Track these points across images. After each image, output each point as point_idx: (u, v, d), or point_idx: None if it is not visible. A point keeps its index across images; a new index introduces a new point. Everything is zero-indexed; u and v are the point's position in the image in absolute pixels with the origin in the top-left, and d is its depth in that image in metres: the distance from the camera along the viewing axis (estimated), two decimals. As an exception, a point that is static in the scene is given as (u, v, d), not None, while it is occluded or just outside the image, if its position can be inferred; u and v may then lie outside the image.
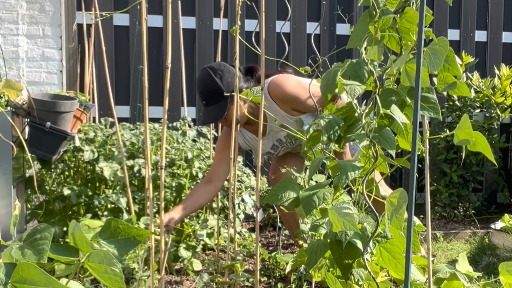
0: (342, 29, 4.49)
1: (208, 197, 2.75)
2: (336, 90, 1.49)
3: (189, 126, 3.50)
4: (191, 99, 4.26)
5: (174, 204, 3.18)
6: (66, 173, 3.17)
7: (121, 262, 2.50)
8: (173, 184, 3.12)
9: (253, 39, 2.51)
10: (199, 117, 4.26)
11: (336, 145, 1.55)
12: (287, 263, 2.80)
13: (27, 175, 2.86)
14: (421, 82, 1.15)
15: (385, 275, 1.63)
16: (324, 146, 1.61)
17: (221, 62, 2.69)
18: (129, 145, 3.22)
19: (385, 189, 2.77)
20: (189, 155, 3.18)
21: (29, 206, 3.10)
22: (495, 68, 4.50)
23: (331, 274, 1.60)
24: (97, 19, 2.60)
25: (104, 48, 2.84)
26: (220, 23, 2.90)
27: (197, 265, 2.93)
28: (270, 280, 2.83)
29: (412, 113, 1.41)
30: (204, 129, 3.50)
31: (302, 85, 2.62)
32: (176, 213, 2.63)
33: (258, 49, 2.01)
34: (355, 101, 1.46)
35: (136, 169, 3.03)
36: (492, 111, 4.34)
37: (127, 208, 2.92)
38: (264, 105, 2.68)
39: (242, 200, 3.38)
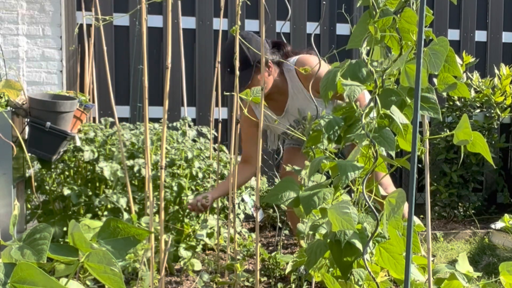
0: (342, 29, 4.49)
1: (247, 174, 2.88)
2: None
3: (189, 126, 3.50)
4: (191, 99, 4.26)
5: (174, 204, 3.18)
6: (66, 173, 3.16)
7: (124, 260, 2.50)
8: (173, 184, 3.12)
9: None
10: (199, 117, 4.26)
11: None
12: (287, 263, 2.80)
13: (27, 175, 2.86)
14: (421, 82, 1.15)
15: (385, 275, 1.63)
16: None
17: (248, 31, 2.74)
18: (129, 145, 3.22)
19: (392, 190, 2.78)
20: (189, 155, 3.17)
21: (29, 206, 3.10)
22: (495, 68, 4.50)
23: (329, 274, 1.60)
24: (98, 23, 2.59)
25: (105, 48, 2.84)
26: (220, 23, 2.90)
27: (197, 265, 2.92)
28: (270, 280, 2.83)
29: (412, 113, 1.41)
30: (204, 129, 3.50)
31: (327, 67, 2.65)
32: (216, 190, 2.75)
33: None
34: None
35: (136, 169, 3.03)
36: (492, 111, 4.33)
37: (127, 208, 2.92)
38: (288, 81, 2.70)
39: (242, 200, 3.37)
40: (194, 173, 3.19)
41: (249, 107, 2.85)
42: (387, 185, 2.83)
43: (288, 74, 2.76)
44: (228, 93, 2.37)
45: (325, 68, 2.63)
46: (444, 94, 1.49)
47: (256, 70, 2.62)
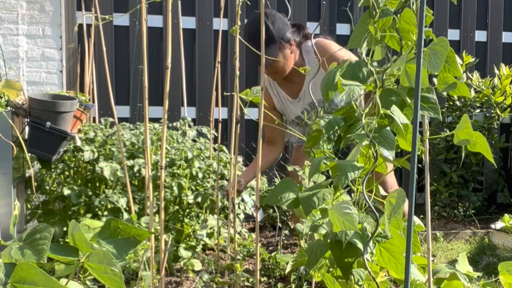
0: (342, 29, 4.49)
1: (274, 155, 2.95)
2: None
3: (189, 126, 3.50)
4: (191, 99, 4.26)
5: (174, 204, 3.18)
6: (66, 173, 3.17)
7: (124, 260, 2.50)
8: (173, 184, 3.12)
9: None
10: (199, 117, 4.26)
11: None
12: (287, 263, 2.80)
13: (27, 175, 2.86)
14: (421, 83, 1.15)
15: (385, 275, 1.63)
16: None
17: (272, 10, 2.76)
18: (129, 145, 3.22)
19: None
20: (189, 155, 3.17)
21: (29, 206, 3.10)
22: (495, 68, 4.50)
23: (330, 274, 1.60)
24: (98, 22, 2.58)
25: (104, 48, 2.84)
26: (220, 23, 2.90)
27: (197, 265, 2.93)
28: (270, 280, 2.83)
29: (412, 113, 1.41)
30: (204, 129, 3.50)
31: (344, 50, 2.70)
32: (247, 173, 2.79)
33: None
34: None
35: (136, 169, 3.03)
36: (492, 111, 4.33)
37: (127, 208, 2.92)
38: (306, 63, 2.76)
39: (242, 200, 3.37)
40: (194, 173, 3.19)
41: (264, 89, 2.87)
42: (392, 185, 2.82)
43: (306, 56, 2.78)
44: (227, 94, 2.37)
45: (342, 51, 2.65)
46: (444, 94, 1.49)
47: (280, 47, 2.64)
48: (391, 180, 2.85)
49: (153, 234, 1.88)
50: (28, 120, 2.71)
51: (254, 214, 2.06)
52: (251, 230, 3.89)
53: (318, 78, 2.70)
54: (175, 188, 3.11)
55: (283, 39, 2.66)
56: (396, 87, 1.47)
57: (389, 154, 1.38)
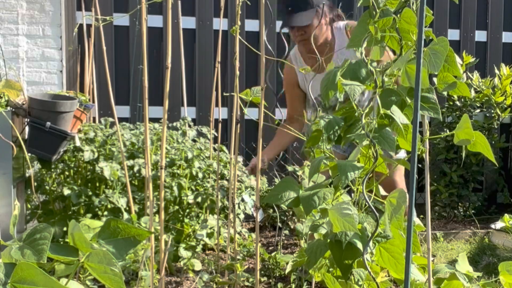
0: (342, 29, 4.48)
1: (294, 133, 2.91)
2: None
3: (189, 126, 3.50)
4: (191, 99, 4.26)
5: (174, 204, 3.18)
6: (66, 173, 3.17)
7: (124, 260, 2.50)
8: (173, 184, 3.12)
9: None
10: (199, 117, 4.26)
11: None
12: (287, 263, 2.80)
13: (27, 175, 2.86)
14: (421, 83, 1.15)
15: (385, 275, 1.63)
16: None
17: None
18: (129, 145, 3.22)
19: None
20: (189, 155, 3.17)
21: (29, 206, 3.10)
22: (495, 68, 4.50)
23: (330, 274, 1.60)
24: (98, 23, 2.59)
25: (104, 48, 2.84)
26: (220, 23, 2.90)
27: (197, 265, 2.93)
28: (270, 280, 2.83)
29: (412, 113, 1.41)
30: (204, 129, 3.50)
31: None
32: (269, 150, 2.79)
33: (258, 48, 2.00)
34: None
35: (136, 169, 3.03)
36: (492, 111, 4.33)
37: (127, 208, 2.92)
38: (336, 40, 2.76)
39: (242, 200, 3.37)
40: (194, 173, 3.19)
41: (289, 65, 2.87)
42: (401, 185, 2.80)
43: (337, 33, 2.79)
44: (227, 94, 2.36)
45: None
46: (444, 94, 1.49)
47: (317, 14, 2.66)
48: (401, 180, 2.83)
49: (153, 234, 1.88)
50: (28, 120, 2.71)
51: (254, 214, 2.06)
52: (251, 230, 3.89)
53: (346, 54, 2.68)
54: (175, 188, 3.11)
55: (320, 7, 2.68)
56: (396, 87, 1.47)
57: (400, 155, 1.38)
